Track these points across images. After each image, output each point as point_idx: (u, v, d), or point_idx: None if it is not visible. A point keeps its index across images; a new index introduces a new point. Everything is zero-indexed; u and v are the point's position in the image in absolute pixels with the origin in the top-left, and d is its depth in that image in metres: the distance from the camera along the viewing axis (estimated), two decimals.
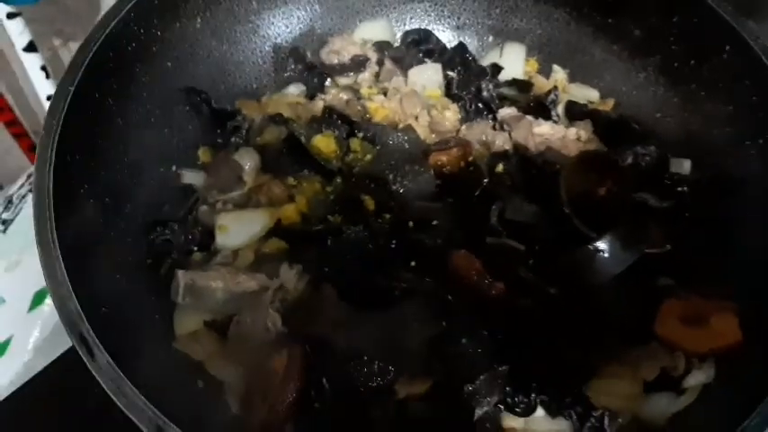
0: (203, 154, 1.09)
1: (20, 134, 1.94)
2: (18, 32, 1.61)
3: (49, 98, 1.67)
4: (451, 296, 0.86)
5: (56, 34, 2.00)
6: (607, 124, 1.12)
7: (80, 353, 0.71)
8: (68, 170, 0.84)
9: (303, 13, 1.21)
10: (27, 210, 1.31)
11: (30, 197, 1.30)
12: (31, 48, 1.66)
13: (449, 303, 0.86)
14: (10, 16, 1.57)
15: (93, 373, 0.70)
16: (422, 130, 1.10)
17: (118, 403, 0.68)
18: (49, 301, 1.10)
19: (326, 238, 0.94)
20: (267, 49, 1.19)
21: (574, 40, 1.21)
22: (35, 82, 1.71)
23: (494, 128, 1.11)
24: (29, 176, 1.41)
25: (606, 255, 0.88)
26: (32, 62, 1.68)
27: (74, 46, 1.86)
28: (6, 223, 1.31)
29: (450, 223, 0.93)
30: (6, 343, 1.11)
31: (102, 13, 0.94)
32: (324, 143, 1.05)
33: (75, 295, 0.74)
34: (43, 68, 1.68)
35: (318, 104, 1.13)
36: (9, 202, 1.37)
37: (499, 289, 0.85)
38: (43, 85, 1.70)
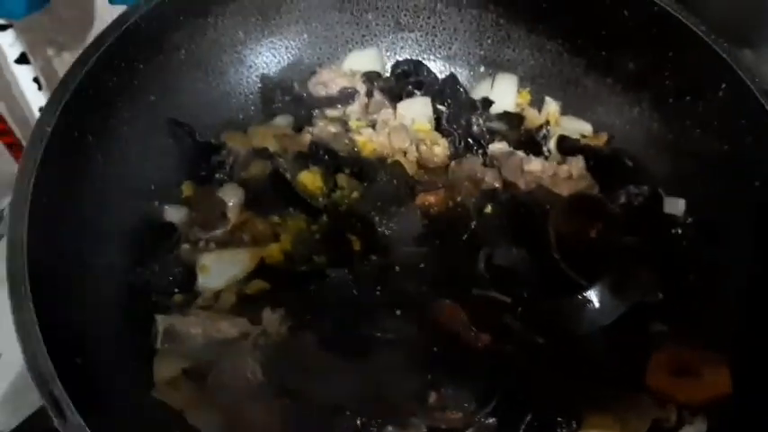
0: (186, 188, 1.06)
1: (12, 144, 1.91)
2: (9, 44, 1.59)
3: (41, 110, 1.64)
4: (436, 347, 0.84)
5: (48, 44, 1.98)
6: (600, 160, 1.09)
7: (50, 413, 0.69)
8: (45, 213, 0.81)
9: (291, 42, 1.18)
10: None
11: None
12: (22, 59, 1.63)
13: (434, 354, 0.84)
14: (1, 28, 1.54)
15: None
16: (410, 166, 1.07)
17: None
18: None
19: (310, 280, 0.92)
20: (254, 79, 1.17)
21: (566, 71, 1.19)
22: (27, 93, 1.68)
23: (484, 164, 1.08)
24: None
25: (596, 305, 0.86)
26: (25, 74, 1.65)
27: (67, 56, 1.84)
28: None
29: (437, 268, 0.91)
30: None
31: (96, 22, 0.91)
32: (310, 179, 1.03)
33: (48, 351, 0.71)
34: (35, 80, 1.65)
35: (306, 137, 1.10)
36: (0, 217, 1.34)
37: (485, 341, 0.83)
38: (36, 97, 1.67)
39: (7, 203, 1.35)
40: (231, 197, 1.03)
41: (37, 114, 1.66)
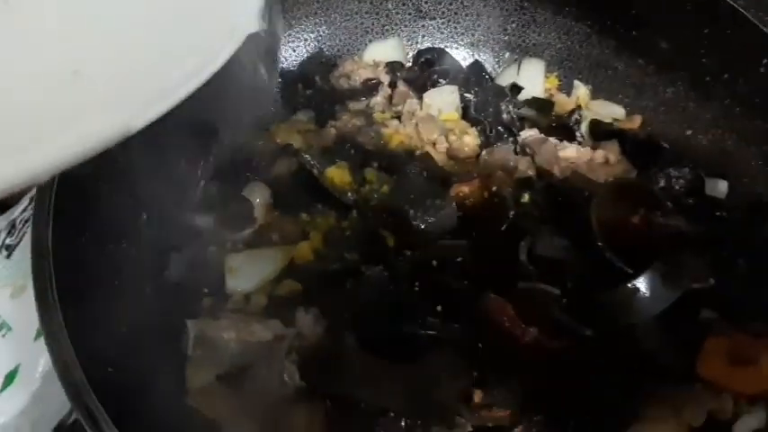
0: (210, 189, 1.03)
1: None
2: None
3: None
4: (481, 343, 0.80)
5: None
6: (635, 144, 1.05)
7: (85, 426, 0.66)
8: (69, 217, 0.79)
9: (310, 35, 1.15)
10: None
11: None
12: None
13: (479, 351, 0.80)
14: None
15: None
16: (440, 157, 1.04)
17: None
18: None
19: (344, 278, 0.89)
20: None
21: (596, 54, 1.15)
22: None
23: (515, 152, 1.05)
24: (32, 199, 1.35)
25: (646, 294, 0.82)
26: None
27: None
28: (10, 248, 1.26)
29: (477, 261, 0.87)
30: (14, 372, 1.06)
31: None
32: (337, 175, 0.99)
33: (80, 362, 0.68)
34: None
35: (330, 132, 1.07)
36: (12, 226, 1.31)
37: (532, 335, 0.80)
38: None
39: (19, 211, 1.33)
40: (257, 196, 1.00)
41: None
